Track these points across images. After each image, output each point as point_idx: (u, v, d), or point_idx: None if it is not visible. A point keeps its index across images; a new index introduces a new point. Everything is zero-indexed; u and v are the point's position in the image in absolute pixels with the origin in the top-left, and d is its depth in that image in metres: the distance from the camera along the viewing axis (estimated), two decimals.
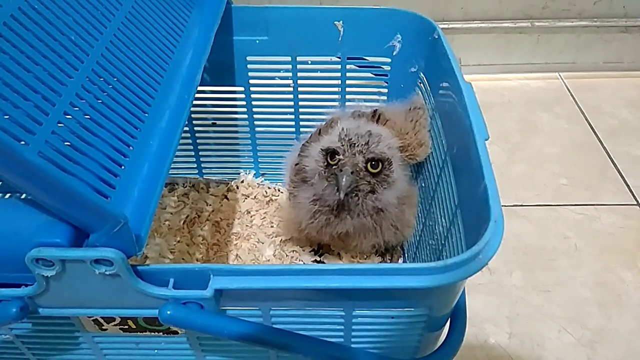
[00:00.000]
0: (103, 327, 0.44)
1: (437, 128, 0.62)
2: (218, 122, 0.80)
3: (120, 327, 0.44)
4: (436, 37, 0.64)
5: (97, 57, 0.45)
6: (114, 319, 0.43)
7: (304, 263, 0.74)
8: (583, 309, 0.73)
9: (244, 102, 0.78)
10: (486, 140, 0.47)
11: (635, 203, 0.88)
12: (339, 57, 0.73)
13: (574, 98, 1.12)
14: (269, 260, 0.75)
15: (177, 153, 0.47)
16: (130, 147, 0.43)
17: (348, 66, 0.74)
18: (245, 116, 0.79)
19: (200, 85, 0.54)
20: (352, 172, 0.57)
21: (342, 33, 0.71)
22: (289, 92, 0.77)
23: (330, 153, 0.60)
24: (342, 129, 0.60)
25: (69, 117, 0.40)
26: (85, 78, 0.43)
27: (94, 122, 0.41)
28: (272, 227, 0.79)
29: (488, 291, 0.74)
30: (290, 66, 0.74)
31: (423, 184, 0.67)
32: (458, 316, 0.47)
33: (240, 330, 0.40)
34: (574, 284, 0.76)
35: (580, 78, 1.17)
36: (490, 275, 0.76)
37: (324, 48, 0.72)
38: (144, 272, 0.39)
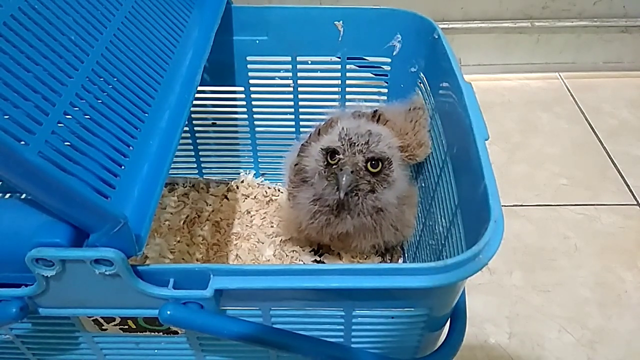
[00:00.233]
0: (103, 327, 0.44)
1: (437, 128, 0.62)
2: (218, 122, 0.80)
3: (120, 327, 0.44)
4: (436, 37, 0.64)
5: (97, 57, 0.45)
6: (114, 319, 0.43)
7: (304, 263, 0.74)
8: (583, 309, 0.73)
9: (244, 102, 0.78)
10: (486, 140, 0.47)
11: (635, 203, 0.88)
12: (339, 57, 0.73)
13: (574, 98, 1.12)
14: (269, 260, 0.75)
15: (177, 153, 0.47)
16: (130, 147, 0.43)
17: (348, 66, 0.74)
18: (245, 116, 0.79)
19: (200, 85, 0.54)
20: (352, 172, 0.57)
21: (342, 33, 0.71)
22: (289, 92, 0.77)
23: (331, 152, 0.60)
24: (342, 128, 0.60)
25: (69, 117, 0.40)
26: (85, 78, 0.43)
27: (94, 122, 0.42)
28: (272, 227, 0.79)
29: (488, 291, 0.74)
30: (290, 66, 0.74)
31: (423, 184, 0.67)
32: (458, 316, 0.47)
33: (240, 330, 0.40)
34: (574, 284, 0.76)
35: (580, 78, 1.17)
36: (490, 275, 0.76)
37: (324, 48, 0.72)
38: (144, 272, 0.39)
